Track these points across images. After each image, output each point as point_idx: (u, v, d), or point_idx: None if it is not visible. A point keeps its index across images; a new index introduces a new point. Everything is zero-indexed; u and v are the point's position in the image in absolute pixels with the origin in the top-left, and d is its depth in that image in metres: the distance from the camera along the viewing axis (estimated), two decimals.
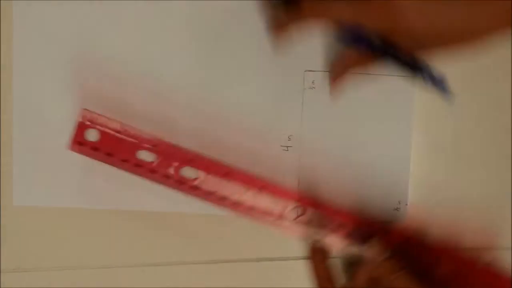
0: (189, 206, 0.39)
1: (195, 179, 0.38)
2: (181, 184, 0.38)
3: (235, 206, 0.38)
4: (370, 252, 0.37)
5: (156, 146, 0.37)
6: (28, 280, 0.40)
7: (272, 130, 0.39)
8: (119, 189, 0.39)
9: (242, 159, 0.39)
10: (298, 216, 0.38)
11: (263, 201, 0.38)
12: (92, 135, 0.37)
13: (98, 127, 0.37)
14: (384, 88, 0.39)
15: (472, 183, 0.41)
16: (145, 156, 0.37)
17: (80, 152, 0.37)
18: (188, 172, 0.38)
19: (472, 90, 0.40)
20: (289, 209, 0.38)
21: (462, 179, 0.40)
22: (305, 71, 0.39)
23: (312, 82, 0.39)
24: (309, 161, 0.39)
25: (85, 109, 0.37)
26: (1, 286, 0.40)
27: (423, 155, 0.40)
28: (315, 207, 0.38)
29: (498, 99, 0.41)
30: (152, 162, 0.37)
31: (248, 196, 0.38)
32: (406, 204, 0.39)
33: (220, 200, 0.38)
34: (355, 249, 0.38)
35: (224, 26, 0.38)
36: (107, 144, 0.37)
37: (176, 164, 0.37)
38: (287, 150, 0.39)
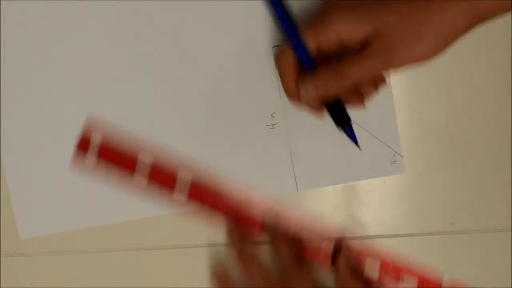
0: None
1: None
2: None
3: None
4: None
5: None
6: (27, 264, 0.41)
7: (254, 111, 0.40)
8: (118, 203, 0.40)
9: (231, 144, 0.40)
10: None
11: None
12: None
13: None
14: None
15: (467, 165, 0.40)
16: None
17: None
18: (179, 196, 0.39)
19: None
20: None
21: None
22: (273, 47, 0.40)
23: None
24: (297, 135, 0.40)
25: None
26: (1, 270, 0.42)
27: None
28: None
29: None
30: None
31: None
32: (402, 156, 0.40)
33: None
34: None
35: None
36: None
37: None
38: (273, 128, 0.40)
